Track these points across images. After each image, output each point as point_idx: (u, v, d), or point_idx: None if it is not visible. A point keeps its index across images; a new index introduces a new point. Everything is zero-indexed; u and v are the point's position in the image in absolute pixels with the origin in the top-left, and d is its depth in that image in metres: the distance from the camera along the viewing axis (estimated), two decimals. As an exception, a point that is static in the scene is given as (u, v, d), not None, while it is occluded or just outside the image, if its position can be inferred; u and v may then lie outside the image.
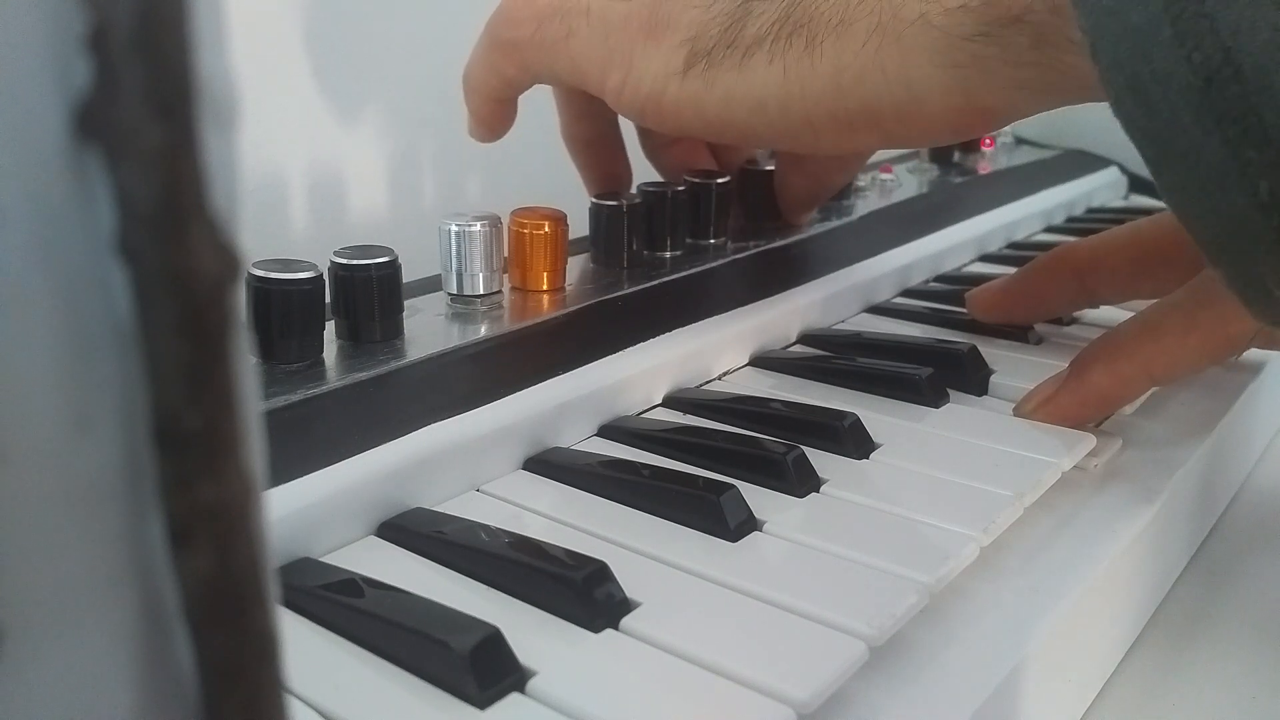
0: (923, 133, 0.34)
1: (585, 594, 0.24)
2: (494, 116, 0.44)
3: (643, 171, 0.49)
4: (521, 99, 0.44)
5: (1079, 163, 0.72)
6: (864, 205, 0.56)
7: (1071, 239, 0.46)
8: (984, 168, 0.68)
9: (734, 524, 0.28)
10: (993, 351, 0.41)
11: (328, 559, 0.27)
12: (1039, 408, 0.36)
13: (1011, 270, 0.45)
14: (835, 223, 0.52)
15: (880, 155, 0.64)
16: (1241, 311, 0.33)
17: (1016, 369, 0.39)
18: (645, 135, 0.49)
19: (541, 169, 0.49)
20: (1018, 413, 0.36)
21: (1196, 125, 0.24)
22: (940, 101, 0.32)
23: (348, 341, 0.34)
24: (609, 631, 0.24)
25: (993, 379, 0.39)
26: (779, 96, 0.34)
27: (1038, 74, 0.30)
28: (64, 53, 0.09)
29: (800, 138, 0.36)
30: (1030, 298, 0.43)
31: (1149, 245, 0.41)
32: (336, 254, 0.35)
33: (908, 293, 0.50)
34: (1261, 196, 0.23)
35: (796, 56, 0.34)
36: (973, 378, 0.39)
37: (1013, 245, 0.59)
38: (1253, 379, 0.42)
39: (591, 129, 0.47)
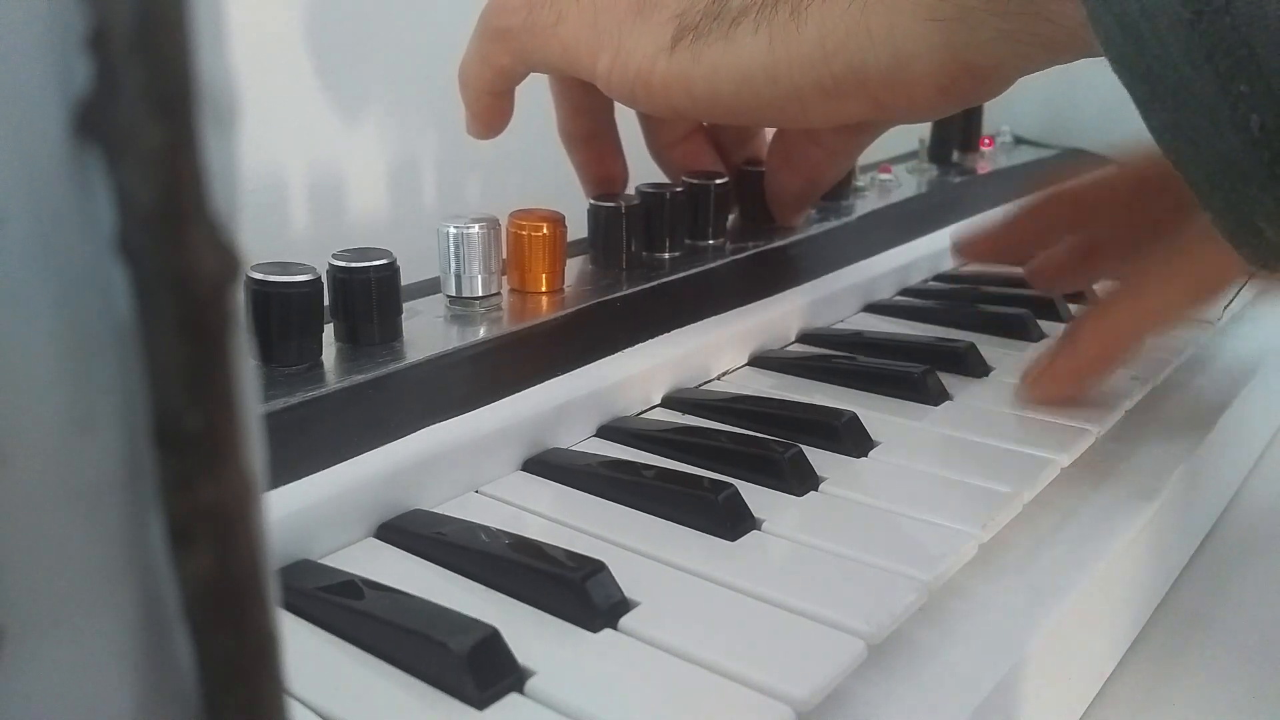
0: (911, 97, 0.34)
1: (584, 594, 0.24)
2: (490, 111, 0.43)
3: (641, 172, 0.49)
4: (519, 101, 0.44)
5: (1079, 163, 0.72)
6: (863, 205, 0.56)
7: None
8: (983, 167, 0.68)
9: (733, 523, 0.28)
10: (993, 350, 0.41)
11: (327, 561, 0.27)
12: (1038, 380, 0.36)
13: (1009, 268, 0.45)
14: (834, 223, 0.53)
15: (880, 155, 0.64)
16: (1223, 252, 0.32)
17: (1016, 367, 0.39)
18: (650, 134, 0.49)
19: (540, 171, 0.49)
20: (1018, 393, 0.36)
21: (1186, 60, 0.23)
22: (927, 59, 0.32)
23: (346, 344, 0.34)
24: (608, 631, 0.24)
25: (992, 377, 0.39)
26: (765, 66, 0.34)
27: (1024, 24, 0.30)
28: (64, 53, 0.09)
29: (788, 109, 0.35)
30: (1022, 234, 0.43)
31: (1141, 174, 0.40)
32: (335, 257, 0.35)
33: (907, 292, 0.50)
34: (1253, 132, 0.23)
35: (782, 23, 0.33)
36: (972, 376, 0.39)
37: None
38: (1252, 378, 0.42)
39: (588, 125, 0.47)
